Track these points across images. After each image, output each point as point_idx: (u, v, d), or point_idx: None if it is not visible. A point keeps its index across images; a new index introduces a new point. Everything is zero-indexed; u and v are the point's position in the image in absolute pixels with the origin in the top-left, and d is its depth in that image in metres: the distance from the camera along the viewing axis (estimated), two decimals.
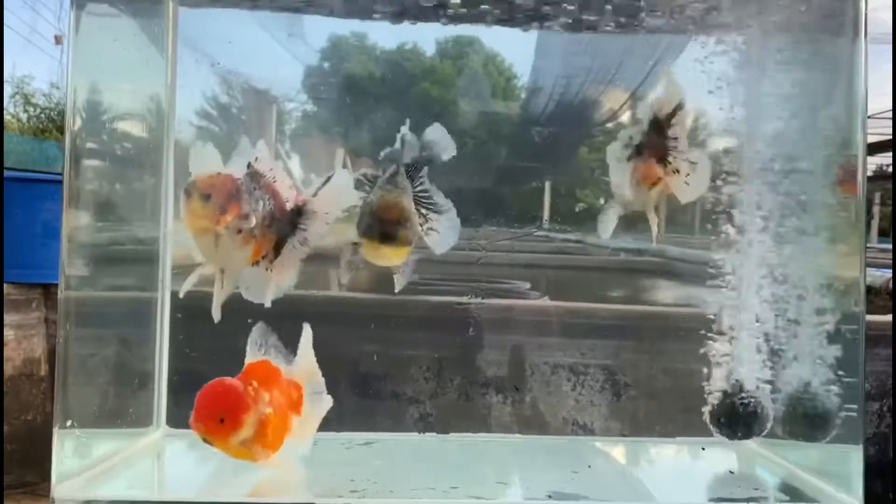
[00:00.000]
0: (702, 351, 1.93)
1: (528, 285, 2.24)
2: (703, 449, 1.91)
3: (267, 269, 1.48)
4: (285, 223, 1.46)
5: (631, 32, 2.07)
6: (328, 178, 1.49)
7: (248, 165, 1.40)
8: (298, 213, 1.48)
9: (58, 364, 1.57)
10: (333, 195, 1.50)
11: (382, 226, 1.42)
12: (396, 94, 2.28)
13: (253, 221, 1.34)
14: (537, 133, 2.32)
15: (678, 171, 1.61)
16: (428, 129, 1.53)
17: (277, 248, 1.47)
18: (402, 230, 1.42)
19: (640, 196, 1.63)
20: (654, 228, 1.66)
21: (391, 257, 1.48)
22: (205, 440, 1.38)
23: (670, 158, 1.61)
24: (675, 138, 1.61)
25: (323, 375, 2.02)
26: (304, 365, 1.55)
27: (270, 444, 1.44)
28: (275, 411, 1.42)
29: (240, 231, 1.33)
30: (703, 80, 1.97)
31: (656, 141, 1.61)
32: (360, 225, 1.46)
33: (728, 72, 1.96)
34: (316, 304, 2.19)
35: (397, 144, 1.54)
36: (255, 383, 1.40)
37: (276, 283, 1.50)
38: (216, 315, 1.46)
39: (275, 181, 1.44)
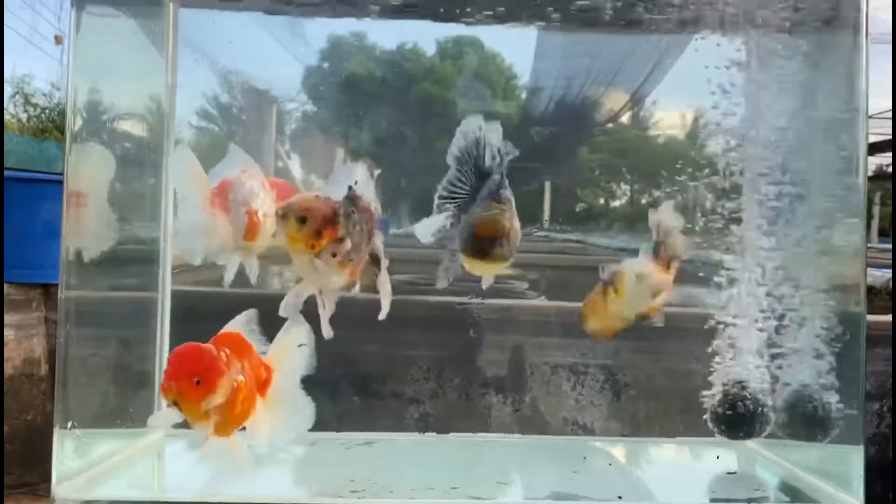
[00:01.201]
0: (702, 351, 1.93)
1: (526, 285, 2.24)
2: (718, 457, 1.91)
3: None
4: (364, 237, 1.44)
5: (632, 32, 2.07)
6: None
7: (349, 188, 1.39)
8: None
9: (58, 364, 1.57)
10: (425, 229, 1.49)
11: (479, 243, 1.42)
12: (396, 94, 2.28)
13: (349, 245, 1.34)
14: (537, 133, 2.32)
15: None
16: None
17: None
18: (498, 248, 1.42)
19: None
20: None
21: (486, 271, 1.48)
22: (173, 403, 1.33)
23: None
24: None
25: (323, 376, 2.02)
26: (278, 353, 1.52)
27: (236, 417, 1.41)
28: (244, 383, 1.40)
29: (335, 255, 1.33)
30: (703, 80, 1.97)
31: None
32: (460, 236, 1.46)
33: (728, 72, 1.96)
34: (314, 304, 2.19)
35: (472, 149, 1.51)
36: (227, 350, 1.39)
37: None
38: (326, 333, 1.46)
39: (371, 204, 1.44)
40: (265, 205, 1.50)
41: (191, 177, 1.45)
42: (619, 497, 1.65)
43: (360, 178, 1.41)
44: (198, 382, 1.31)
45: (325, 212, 1.32)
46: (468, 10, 1.96)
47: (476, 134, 1.49)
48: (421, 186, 2.22)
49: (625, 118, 2.40)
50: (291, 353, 1.49)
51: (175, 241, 1.44)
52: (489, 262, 1.44)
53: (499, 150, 1.50)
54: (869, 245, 2.13)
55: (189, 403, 1.32)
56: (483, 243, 1.42)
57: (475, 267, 1.46)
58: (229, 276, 1.52)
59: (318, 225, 1.31)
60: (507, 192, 1.48)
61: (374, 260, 1.47)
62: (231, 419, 1.38)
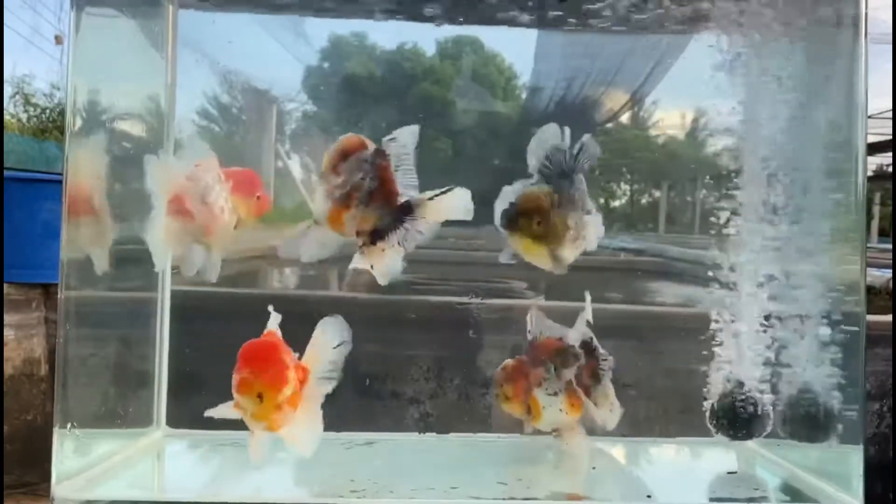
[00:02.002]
0: (702, 351, 1.93)
1: (525, 285, 2.24)
2: (729, 472, 1.91)
3: (361, 252, 1.48)
4: (388, 213, 1.45)
5: (633, 32, 2.07)
6: (449, 189, 1.47)
7: (382, 143, 1.41)
8: (406, 210, 1.46)
9: (58, 364, 1.57)
10: (446, 207, 1.47)
11: (511, 213, 1.45)
12: (396, 94, 2.28)
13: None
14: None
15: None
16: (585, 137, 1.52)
17: (374, 237, 1.46)
18: (527, 221, 1.43)
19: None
20: None
21: (520, 247, 1.48)
22: (257, 398, 1.34)
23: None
24: None
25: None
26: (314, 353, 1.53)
27: (285, 414, 1.42)
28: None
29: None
30: (703, 81, 1.97)
31: None
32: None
33: (728, 71, 1.96)
34: (315, 305, 2.19)
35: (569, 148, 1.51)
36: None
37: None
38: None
39: (397, 169, 1.44)
40: (220, 197, 1.49)
41: (157, 182, 1.46)
42: (649, 496, 1.65)
43: (401, 140, 1.43)
44: (269, 378, 1.32)
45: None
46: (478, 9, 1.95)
47: (554, 141, 1.49)
48: (422, 186, 2.22)
49: (625, 118, 2.40)
50: (327, 353, 1.49)
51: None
52: (521, 235, 1.43)
53: (577, 152, 1.49)
54: (869, 245, 2.13)
55: (270, 398, 1.32)
56: (516, 214, 1.43)
57: (513, 241, 1.46)
58: (189, 272, 1.53)
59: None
60: (577, 191, 1.48)
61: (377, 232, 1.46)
62: (283, 415, 1.39)
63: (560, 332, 1.64)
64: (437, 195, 1.46)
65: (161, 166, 1.47)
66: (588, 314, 1.67)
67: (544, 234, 1.45)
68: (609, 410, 1.64)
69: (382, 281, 1.49)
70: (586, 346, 1.64)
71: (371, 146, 1.41)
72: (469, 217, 1.45)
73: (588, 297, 1.67)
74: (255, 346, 1.40)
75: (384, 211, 1.43)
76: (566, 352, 1.62)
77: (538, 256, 1.49)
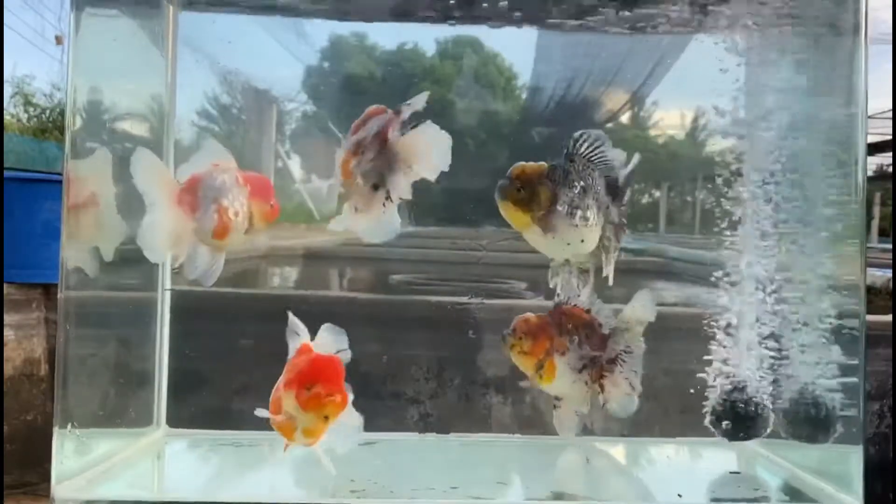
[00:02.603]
0: (702, 351, 1.93)
1: (524, 285, 2.24)
2: (735, 473, 1.91)
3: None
4: (379, 160, 1.45)
5: (633, 32, 2.07)
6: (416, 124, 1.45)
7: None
8: (392, 155, 1.45)
9: (58, 364, 1.57)
10: (419, 143, 1.43)
11: (503, 181, 1.46)
12: (396, 94, 2.28)
13: None
14: (538, 133, 2.32)
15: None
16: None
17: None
18: (513, 190, 1.44)
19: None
20: None
21: (507, 212, 1.48)
22: (303, 413, 1.33)
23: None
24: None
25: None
26: None
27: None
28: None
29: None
30: (702, 81, 1.97)
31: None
32: None
33: (728, 72, 1.96)
34: (316, 304, 2.19)
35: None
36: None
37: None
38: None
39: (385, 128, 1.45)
40: (237, 201, 1.48)
41: (153, 175, 1.44)
42: (680, 496, 1.65)
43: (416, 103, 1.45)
44: (340, 401, 1.32)
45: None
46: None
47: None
48: (421, 186, 2.22)
49: (625, 118, 2.40)
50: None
51: (137, 240, 1.42)
52: (506, 202, 1.45)
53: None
54: (869, 245, 2.13)
55: (334, 410, 1.33)
56: (504, 182, 1.45)
57: (501, 209, 1.47)
58: (192, 273, 1.50)
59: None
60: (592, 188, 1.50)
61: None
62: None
63: (589, 304, 1.61)
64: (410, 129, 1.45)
65: (148, 160, 1.45)
66: (639, 308, 1.63)
67: (527, 201, 1.45)
68: (626, 396, 1.60)
69: (369, 238, 1.49)
70: (614, 331, 1.61)
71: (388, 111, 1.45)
72: (445, 152, 1.43)
73: (646, 297, 1.64)
74: (326, 366, 1.36)
75: (376, 158, 1.44)
76: (593, 327, 1.60)
77: (523, 224, 1.48)
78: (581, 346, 1.58)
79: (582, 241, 1.50)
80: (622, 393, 1.59)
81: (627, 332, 1.60)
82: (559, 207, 1.45)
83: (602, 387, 1.59)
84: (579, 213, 1.47)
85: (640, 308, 1.61)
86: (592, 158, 1.52)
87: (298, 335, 1.45)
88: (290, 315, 1.46)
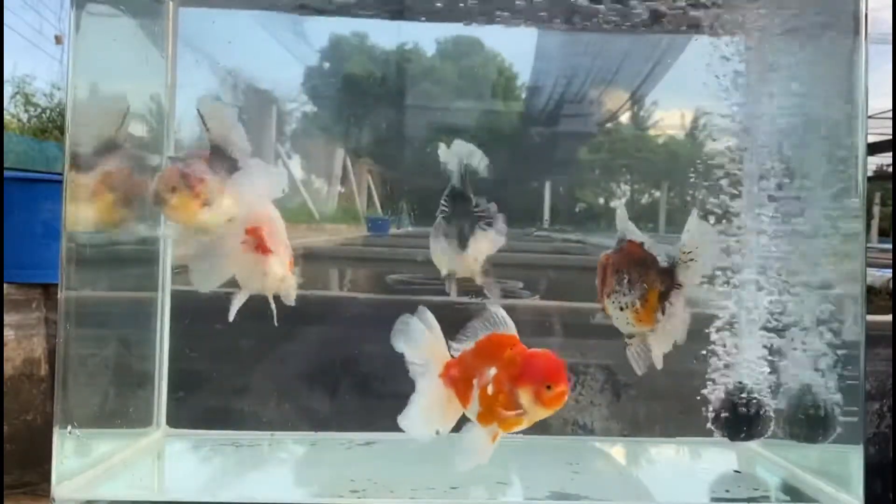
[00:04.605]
0: (703, 351, 1.93)
1: (521, 284, 2.24)
2: (736, 471, 1.91)
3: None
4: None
5: (633, 33, 2.07)
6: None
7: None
8: None
9: (58, 364, 1.57)
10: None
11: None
12: (396, 94, 2.28)
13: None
14: (537, 133, 2.32)
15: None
16: None
17: None
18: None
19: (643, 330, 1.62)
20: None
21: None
22: (546, 405, 1.28)
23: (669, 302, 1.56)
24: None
25: (323, 375, 2.03)
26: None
27: None
28: None
29: None
30: (702, 81, 1.97)
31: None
32: None
33: (727, 72, 1.96)
34: (315, 304, 2.19)
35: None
36: None
37: None
38: None
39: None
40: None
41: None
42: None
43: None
44: (548, 387, 1.30)
45: None
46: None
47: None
48: (422, 186, 2.22)
49: (625, 118, 2.40)
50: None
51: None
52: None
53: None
54: (869, 245, 2.13)
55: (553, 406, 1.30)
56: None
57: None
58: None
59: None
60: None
61: None
62: None
63: (641, 238, 1.58)
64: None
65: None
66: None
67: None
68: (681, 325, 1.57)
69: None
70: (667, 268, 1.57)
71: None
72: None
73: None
74: (558, 364, 1.31)
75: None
76: (646, 263, 1.56)
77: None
78: (632, 281, 1.56)
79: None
80: (677, 323, 1.55)
81: (688, 267, 1.54)
82: None
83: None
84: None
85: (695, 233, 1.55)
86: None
87: (502, 327, 1.38)
88: (492, 307, 1.40)
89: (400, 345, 1.39)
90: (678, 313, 1.54)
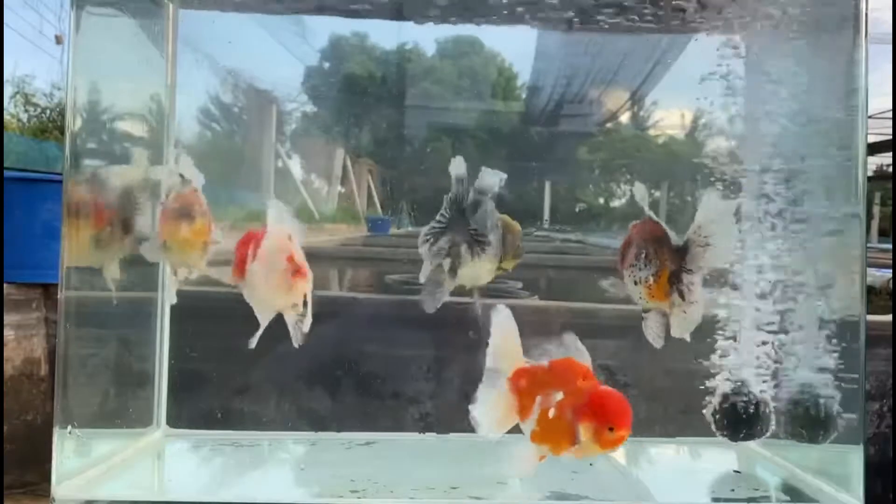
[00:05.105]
0: (702, 351, 1.93)
1: (519, 284, 2.24)
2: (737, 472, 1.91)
3: None
4: None
5: (632, 32, 2.07)
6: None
7: None
8: None
9: (58, 364, 1.57)
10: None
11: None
12: (396, 94, 2.28)
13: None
14: (537, 133, 2.32)
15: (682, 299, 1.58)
16: None
17: None
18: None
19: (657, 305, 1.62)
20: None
21: None
22: (602, 447, 1.28)
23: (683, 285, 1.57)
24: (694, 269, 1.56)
25: (322, 375, 2.02)
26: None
27: None
28: None
29: None
30: (702, 81, 1.97)
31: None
32: None
33: (727, 72, 1.96)
34: (315, 304, 2.18)
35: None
36: None
37: None
38: None
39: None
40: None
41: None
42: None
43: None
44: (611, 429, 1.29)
45: None
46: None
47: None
48: (422, 185, 2.22)
49: (625, 118, 2.40)
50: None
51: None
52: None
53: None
54: (869, 245, 2.13)
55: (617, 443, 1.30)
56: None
57: None
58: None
59: None
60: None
61: None
62: None
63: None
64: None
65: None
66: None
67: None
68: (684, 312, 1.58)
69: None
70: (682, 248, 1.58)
71: None
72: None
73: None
74: (625, 408, 1.30)
75: None
76: (662, 241, 1.57)
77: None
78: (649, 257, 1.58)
79: None
80: (693, 300, 1.56)
81: (704, 248, 1.54)
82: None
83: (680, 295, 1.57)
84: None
85: (710, 211, 1.55)
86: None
87: (576, 353, 1.37)
88: (569, 334, 1.38)
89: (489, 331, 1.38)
90: (695, 298, 1.55)
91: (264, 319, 1.51)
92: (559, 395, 1.33)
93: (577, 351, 1.36)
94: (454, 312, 2.05)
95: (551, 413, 1.33)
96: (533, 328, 2.22)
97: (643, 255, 1.58)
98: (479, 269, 1.65)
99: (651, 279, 1.56)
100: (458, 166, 1.62)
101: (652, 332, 1.64)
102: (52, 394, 1.71)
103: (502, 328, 1.38)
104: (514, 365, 1.39)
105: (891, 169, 8.62)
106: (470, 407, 1.37)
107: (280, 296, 1.48)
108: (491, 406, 1.39)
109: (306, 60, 2.25)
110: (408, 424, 2.13)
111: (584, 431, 1.28)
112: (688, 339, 1.59)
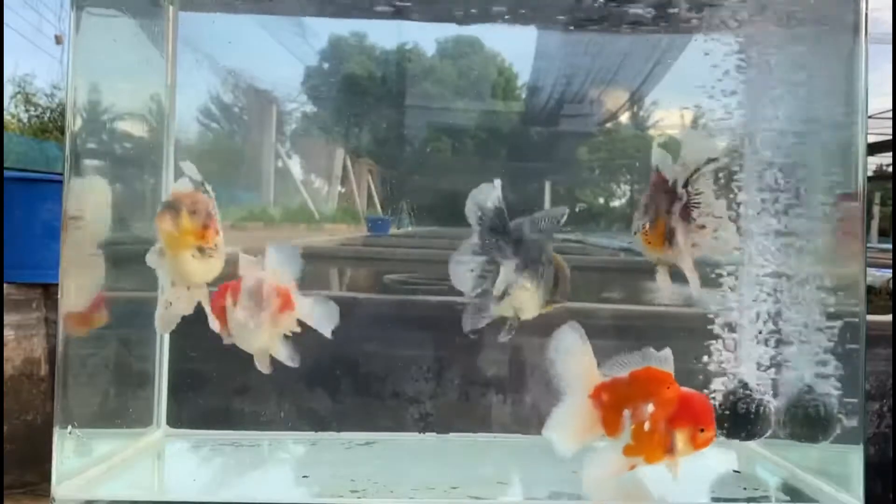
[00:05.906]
0: (702, 351, 1.93)
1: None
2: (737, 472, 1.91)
3: None
4: None
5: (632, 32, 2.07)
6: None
7: None
8: None
9: (58, 364, 1.57)
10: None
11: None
12: (396, 94, 2.28)
13: None
14: (537, 133, 2.32)
15: (704, 227, 1.56)
16: None
17: None
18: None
19: (660, 256, 1.61)
20: (692, 282, 1.62)
21: None
22: (695, 448, 1.35)
23: (694, 215, 1.56)
24: (698, 194, 1.55)
25: (322, 375, 2.02)
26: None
27: None
28: None
29: None
30: (701, 81, 1.97)
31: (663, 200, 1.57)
32: None
33: (727, 72, 1.96)
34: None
35: None
36: None
37: None
38: None
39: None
40: None
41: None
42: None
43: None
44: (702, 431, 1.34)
45: None
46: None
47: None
48: (423, 185, 2.22)
49: (625, 118, 2.40)
50: None
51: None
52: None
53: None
54: (869, 245, 2.13)
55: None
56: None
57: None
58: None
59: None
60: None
61: None
62: None
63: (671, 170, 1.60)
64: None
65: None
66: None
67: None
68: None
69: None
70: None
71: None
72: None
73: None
74: (710, 408, 1.37)
75: None
76: (660, 189, 1.58)
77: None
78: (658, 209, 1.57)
79: None
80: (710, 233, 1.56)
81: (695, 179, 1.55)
82: None
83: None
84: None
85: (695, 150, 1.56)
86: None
87: (657, 363, 1.40)
88: (649, 349, 1.41)
89: (552, 354, 1.39)
90: (721, 214, 1.55)
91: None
92: (649, 406, 1.34)
93: (657, 360, 1.37)
94: (454, 313, 2.05)
95: (646, 426, 1.35)
96: (533, 328, 2.23)
97: (644, 205, 1.58)
98: (528, 302, 1.58)
99: (647, 226, 1.55)
100: (492, 191, 1.54)
101: (662, 286, 1.62)
102: (52, 394, 1.71)
103: (574, 345, 1.39)
104: (592, 381, 1.39)
105: (891, 169, 8.63)
106: (544, 430, 1.40)
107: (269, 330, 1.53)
108: (571, 423, 1.40)
109: (306, 60, 2.25)
110: (408, 424, 2.13)
111: (679, 438, 1.32)
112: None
